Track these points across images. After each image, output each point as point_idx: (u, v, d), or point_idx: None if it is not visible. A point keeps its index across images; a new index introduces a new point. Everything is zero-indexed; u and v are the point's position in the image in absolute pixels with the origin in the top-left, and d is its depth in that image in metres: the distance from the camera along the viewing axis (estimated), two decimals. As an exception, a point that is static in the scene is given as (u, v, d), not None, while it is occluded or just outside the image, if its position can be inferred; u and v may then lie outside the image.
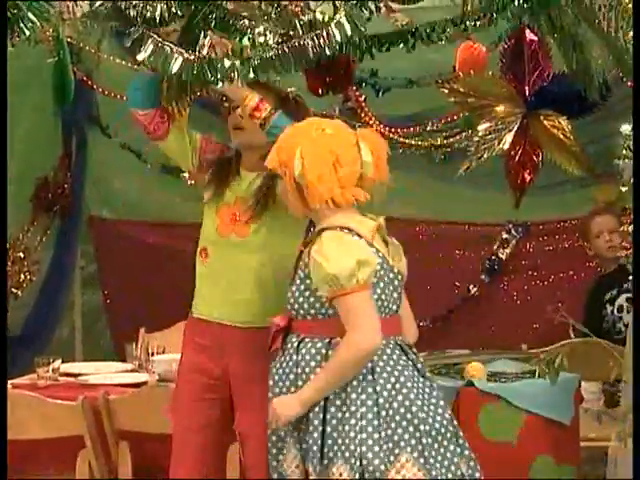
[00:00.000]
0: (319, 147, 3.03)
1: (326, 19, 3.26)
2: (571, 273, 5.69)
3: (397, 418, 2.94)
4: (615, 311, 4.97)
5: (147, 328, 5.22)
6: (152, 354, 4.54)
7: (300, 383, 3.02)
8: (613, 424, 3.75)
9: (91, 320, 6.42)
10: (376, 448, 2.92)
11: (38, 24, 3.20)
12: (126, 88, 3.62)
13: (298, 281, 3.07)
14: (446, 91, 3.86)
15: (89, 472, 3.93)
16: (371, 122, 5.68)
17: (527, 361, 3.90)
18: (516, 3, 3.36)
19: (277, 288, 3.30)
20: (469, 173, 4.86)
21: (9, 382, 4.16)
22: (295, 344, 3.06)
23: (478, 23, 3.42)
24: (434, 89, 4.99)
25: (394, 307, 3.10)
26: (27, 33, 3.21)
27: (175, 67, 3.33)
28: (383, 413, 2.94)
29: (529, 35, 3.64)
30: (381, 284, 3.04)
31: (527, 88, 3.72)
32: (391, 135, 5.69)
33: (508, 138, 3.82)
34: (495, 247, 5.77)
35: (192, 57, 3.31)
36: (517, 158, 3.85)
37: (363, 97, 5.64)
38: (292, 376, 3.05)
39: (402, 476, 2.91)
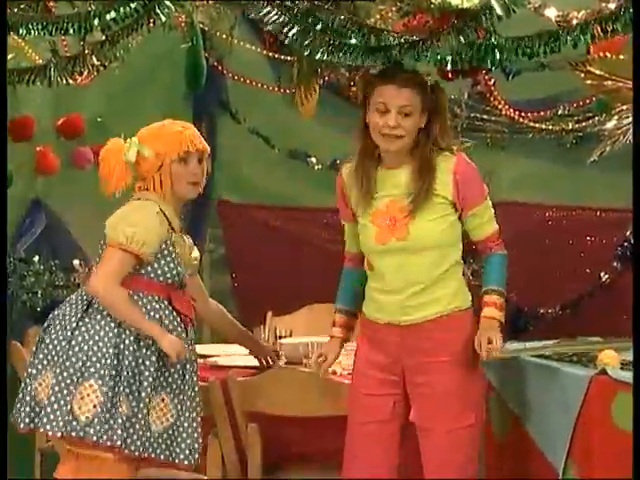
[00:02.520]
0: None
1: (462, 4, 3.24)
2: None
3: None
4: None
5: (274, 311, 5.26)
6: (279, 337, 4.57)
7: None
8: None
9: (219, 303, 6.49)
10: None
11: (173, 9, 3.27)
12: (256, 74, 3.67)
13: None
14: (582, 74, 3.80)
15: (220, 453, 3.97)
16: (500, 106, 5.62)
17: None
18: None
19: (441, 279, 3.43)
20: (601, 157, 4.78)
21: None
22: None
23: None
24: (566, 72, 4.90)
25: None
26: (163, 19, 3.28)
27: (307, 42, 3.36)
28: None
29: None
30: None
31: (666, 70, 3.63)
32: (521, 119, 5.63)
33: (645, 121, 3.74)
34: (628, 233, 5.66)
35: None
36: (653, 142, 3.76)
37: (493, 81, 5.58)
38: None
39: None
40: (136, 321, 3.46)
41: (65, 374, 3.43)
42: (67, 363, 3.44)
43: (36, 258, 5.14)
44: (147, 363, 3.47)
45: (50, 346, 3.51)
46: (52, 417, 3.41)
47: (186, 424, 3.52)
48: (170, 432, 3.49)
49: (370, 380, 3.48)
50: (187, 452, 3.51)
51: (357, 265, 3.59)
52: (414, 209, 3.38)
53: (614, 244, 5.73)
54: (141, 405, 3.43)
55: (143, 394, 3.44)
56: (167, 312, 3.53)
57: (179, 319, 3.56)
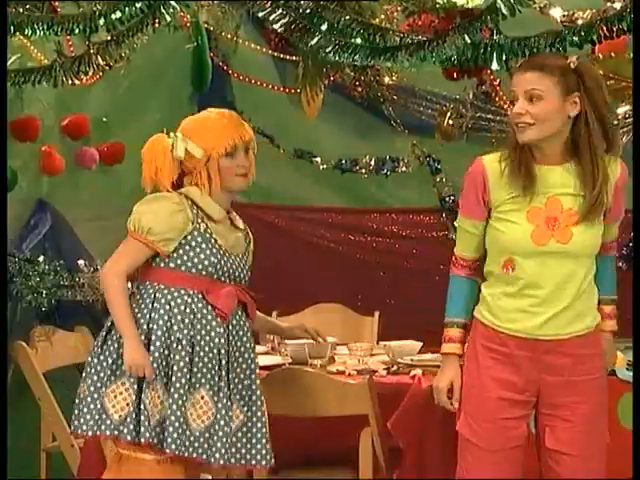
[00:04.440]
0: None
1: (467, 3, 3.25)
2: None
3: None
4: None
5: (279, 311, 5.25)
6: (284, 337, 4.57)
7: None
8: None
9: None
10: None
11: (178, 9, 3.28)
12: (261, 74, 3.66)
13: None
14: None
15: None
16: (505, 106, 5.61)
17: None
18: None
19: (588, 291, 3.20)
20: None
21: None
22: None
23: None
24: (571, 72, 4.90)
25: None
26: (168, 19, 3.29)
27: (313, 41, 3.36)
28: None
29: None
30: None
31: (670, 70, 3.62)
32: (526, 119, 5.62)
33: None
34: (632, 233, 5.64)
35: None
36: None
37: (498, 80, 5.56)
38: None
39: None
40: (119, 318, 3.40)
41: (99, 375, 3.41)
42: (101, 365, 3.42)
43: (41, 258, 5.14)
44: (177, 358, 3.39)
45: (93, 349, 3.49)
46: (86, 417, 3.40)
47: (222, 422, 3.40)
48: (211, 432, 3.39)
49: (503, 402, 3.15)
50: (222, 451, 3.39)
51: (473, 274, 3.28)
52: (585, 214, 3.12)
53: (619, 244, 5.69)
54: (179, 403, 3.36)
55: (181, 391, 3.37)
56: (200, 305, 3.44)
57: (214, 313, 3.46)
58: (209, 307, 3.45)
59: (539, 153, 3.16)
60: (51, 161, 5.39)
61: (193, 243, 3.45)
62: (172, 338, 3.41)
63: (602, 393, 3.23)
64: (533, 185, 3.11)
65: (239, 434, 3.45)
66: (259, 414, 3.49)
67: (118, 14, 3.37)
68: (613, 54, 4.02)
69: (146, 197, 3.52)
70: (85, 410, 3.41)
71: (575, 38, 3.46)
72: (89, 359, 3.48)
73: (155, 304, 3.44)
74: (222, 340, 3.45)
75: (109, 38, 3.64)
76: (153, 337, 3.41)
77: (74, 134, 5.51)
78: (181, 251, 3.45)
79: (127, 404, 3.36)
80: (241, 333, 3.52)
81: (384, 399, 3.81)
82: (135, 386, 3.37)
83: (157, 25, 3.48)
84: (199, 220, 3.47)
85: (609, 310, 3.33)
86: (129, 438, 3.34)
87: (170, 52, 5.52)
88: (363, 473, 3.84)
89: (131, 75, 4.93)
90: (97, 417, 3.39)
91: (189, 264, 3.45)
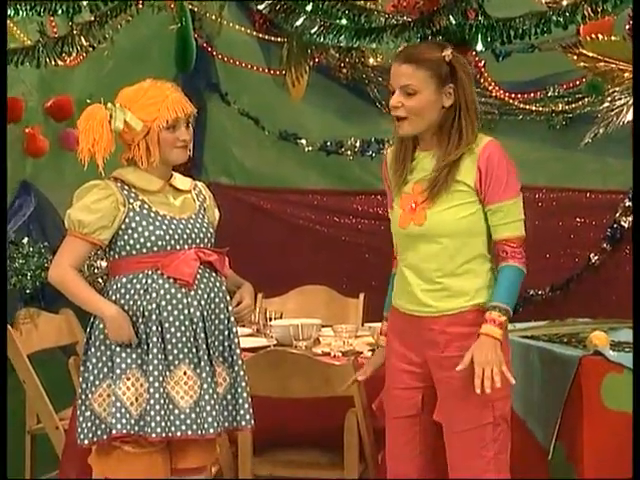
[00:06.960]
0: None
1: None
2: (696, 241, 5.55)
3: None
4: None
5: (265, 294, 5.25)
6: (270, 319, 4.57)
7: None
8: None
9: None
10: None
11: (163, -10, 3.26)
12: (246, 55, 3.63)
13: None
14: (575, 57, 3.78)
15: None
16: (490, 87, 5.61)
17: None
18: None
19: (463, 271, 3.23)
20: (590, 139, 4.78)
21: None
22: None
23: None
24: (555, 53, 4.89)
25: None
26: (152, -1, 3.28)
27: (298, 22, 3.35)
28: None
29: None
30: None
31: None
32: (511, 101, 5.62)
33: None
34: (617, 215, 5.67)
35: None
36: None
37: (482, 62, 5.57)
38: None
39: None
40: (86, 302, 3.36)
41: (87, 383, 3.37)
42: (87, 372, 3.38)
43: (25, 240, 5.12)
44: (149, 341, 3.32)
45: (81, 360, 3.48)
46: (82, 425, 3.36)
47: (210, 391, 3.33)
48: (200, 404, 3.32)
49: (398, 373, 3.33)
50: (210, 421, 3.31)
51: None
52: (431, 194, 3.19)
53: (604, 225, 5.73)
54: (156, 384, 3.30)
55: (155, 373, 3.30)
56: (161, 282, 3.35)
57: (177, 285, 3.35)
58: (170, 280, 3.36)
59: (420, 140, 3.26)
60: (35, 142, 5.37)
61: (133, 224, 3.36)
62: (142, 325, 3.35)
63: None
64: (404, 173, 3.26)
65: (228, 396, 3.40)
66: (242, 373, 3.44)
67: (101, -6, 3.36)
68: (600, 35, 4.00)
69: (76, 192, 3.46)
70: (81, 419, 3.37)
71: (560, 19, 3.46)
72: (81, 369, 3.44)
73: (116, 295, 3.38)
74: (192, 309, 3.36)
75: (92, 19, 3.62)
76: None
77: (58, 115, 5.49)
78: (126, 236, 3.37)
79: (115, 400, 3.30)
80: (212, 295, 3.42)
81: (369, 380, 3.81)
82: (119, 382, 3.31)
83: (141, 6, 3.47)
84: (131, 199, 3.38)
85: (492, 316, 3.18)
86: (124, 431, 3.28)
87: (154, 33, 5.49)
88: (348, 454, 3.85)
89: (115, 56, 4.91)
90: (90, 424, 3.35)
91: (138, 246, 3.36)
